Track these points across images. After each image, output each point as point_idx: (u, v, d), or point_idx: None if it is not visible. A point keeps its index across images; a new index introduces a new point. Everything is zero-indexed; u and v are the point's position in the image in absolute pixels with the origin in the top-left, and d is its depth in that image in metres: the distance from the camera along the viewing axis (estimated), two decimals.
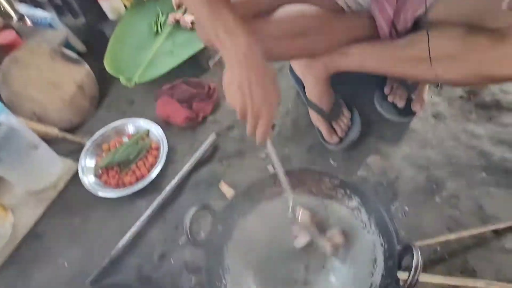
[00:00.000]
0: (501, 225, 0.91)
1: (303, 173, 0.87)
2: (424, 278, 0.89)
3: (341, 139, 1.13)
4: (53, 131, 1.27)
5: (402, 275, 0.67)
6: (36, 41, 1.39)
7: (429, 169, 1.07)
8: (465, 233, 0.93)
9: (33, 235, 1.17)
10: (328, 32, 0.94)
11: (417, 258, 0.64)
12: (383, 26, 0.92)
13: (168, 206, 1.16)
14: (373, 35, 0.95)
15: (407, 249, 0.69)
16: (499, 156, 1.05)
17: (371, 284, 0.75)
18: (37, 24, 1.46)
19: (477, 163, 1.05)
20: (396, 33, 0.93)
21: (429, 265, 0.93)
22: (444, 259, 0.93)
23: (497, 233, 0.92)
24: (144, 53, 1.42)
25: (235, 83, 0.69)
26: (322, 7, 0.91)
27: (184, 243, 1.06)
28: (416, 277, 0.62)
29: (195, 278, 0.97)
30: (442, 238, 0.94)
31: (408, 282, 0.63)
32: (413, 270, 0.63)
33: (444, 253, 0.93)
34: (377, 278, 0.75)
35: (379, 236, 0.78)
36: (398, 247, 0.71)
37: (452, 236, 0.93)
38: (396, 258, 0.70)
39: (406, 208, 1.02)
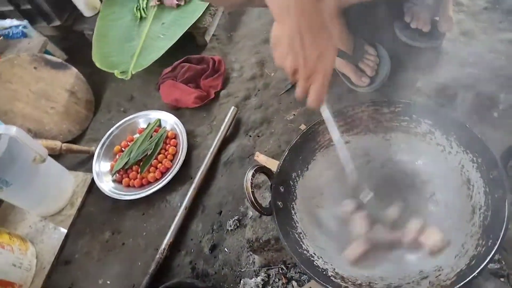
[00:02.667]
0: None
1: (354, 109, 0.76)
2: None
3: (371, 80, 1.04)
4: (56, 144, 1.14)
5: None
6: (13, 53, 1.24)
7: (476, 87, 0.98)
8: None
9: (62, 261, 1.04)
10: None
11: None
12: None
13: (204, 193, 1.04)
14: None
15: (508, 153, 0.59)
16: None
17: (473, 208, 0.65)
18: (10, 37, 1.32)
19: None
20: None
21: None
22: None
23: None
24: (133, 43, 1.30)
25: (285, 39, 0.58)
26: None
27: (233, 228, 0.95)
28: None
29: (259, 257, 0.85)
30: None
31: None
32: None
33: None
34: (479, 198, 0.65)
35: (466, 153, 0.68)
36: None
37: None
38: (501, 165, 0.60)
39: None
